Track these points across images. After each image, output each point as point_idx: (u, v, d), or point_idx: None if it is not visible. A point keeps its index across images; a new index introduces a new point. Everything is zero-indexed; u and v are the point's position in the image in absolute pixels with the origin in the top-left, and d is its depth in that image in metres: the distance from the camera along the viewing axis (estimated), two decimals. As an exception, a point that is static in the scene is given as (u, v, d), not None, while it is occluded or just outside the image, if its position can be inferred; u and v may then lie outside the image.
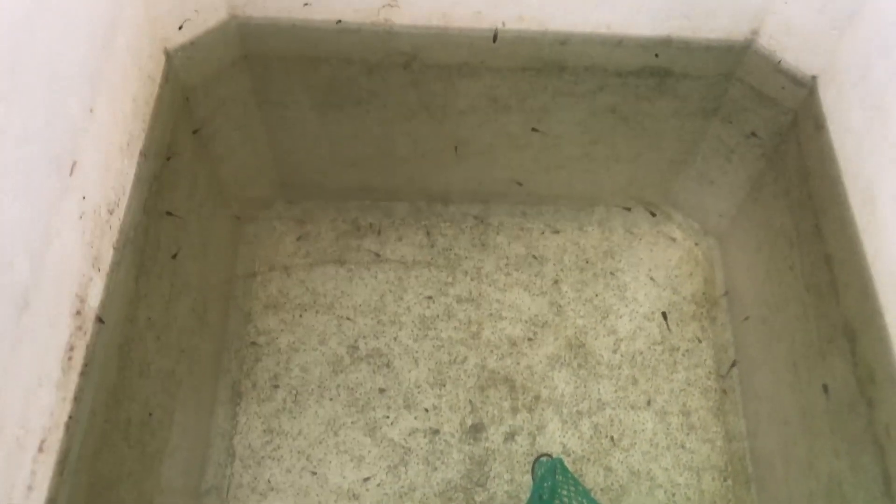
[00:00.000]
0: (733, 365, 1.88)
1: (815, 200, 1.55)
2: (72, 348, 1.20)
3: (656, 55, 1.62)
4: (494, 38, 1.60)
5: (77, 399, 1.21)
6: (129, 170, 1.41)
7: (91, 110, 1.23)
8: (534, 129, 1.85)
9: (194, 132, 1.69)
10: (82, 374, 1.22)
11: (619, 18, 1.58)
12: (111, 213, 1.33)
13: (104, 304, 1.29)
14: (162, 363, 1.56)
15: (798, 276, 1.62)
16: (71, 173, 1.17)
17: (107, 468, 1.33)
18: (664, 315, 2.04)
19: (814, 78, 1.56)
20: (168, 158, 1.55)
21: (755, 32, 1.59)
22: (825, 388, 1.49)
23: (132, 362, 1.41)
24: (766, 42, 1.59)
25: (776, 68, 1.60)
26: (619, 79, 1.70)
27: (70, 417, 1.19)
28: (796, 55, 1.56)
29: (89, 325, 1.25)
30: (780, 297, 1.70)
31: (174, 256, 1.54)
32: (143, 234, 1.44)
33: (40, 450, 1.11)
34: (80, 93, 1.20)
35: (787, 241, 1.66)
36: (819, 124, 1.54)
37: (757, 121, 1.73)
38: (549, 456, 1.83)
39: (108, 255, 1.32)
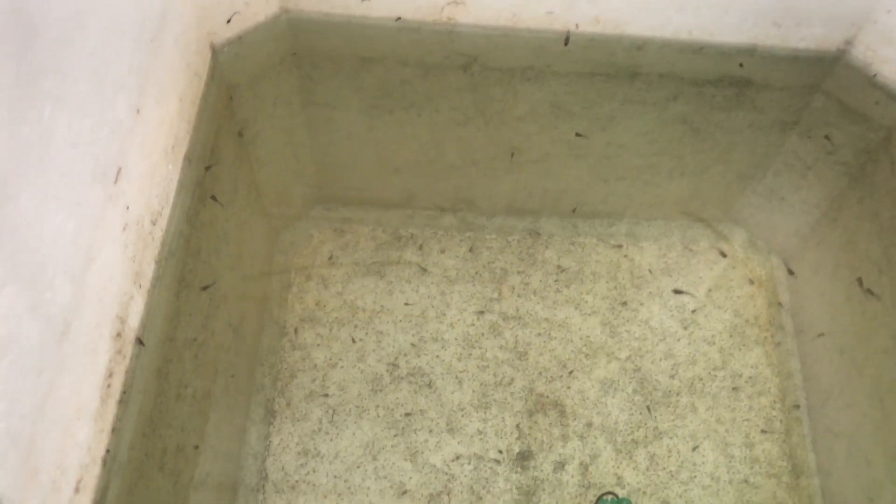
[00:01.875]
0: (861, 283, 1.64)
1: (912, 225, 1.43)
2: (111, 374, 1.08)
3: (741, 64, 1.50)
4: (566, 41, 1.48)
5: (115, 430, 1.09)
6: (174, 176, 1.29)
7: (138, 111, 1.11)
8: (577, 135, 1.72)
9: (238, 134, 1.57)
10: (120, 402, 1.11)
11: (702, 24, 1.45)
12: (154, 223, 1.21)
13: (144, 324, 1.17)
14: (198, 384, 1.44)
15: (888, 307, 1.49)
16: (116, 181, 1.05)
17: (141, 503, 1.21)
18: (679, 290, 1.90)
19: (914, 92, 1.44)
20: (211, 164, 1.43)
21: (849, 42, 1.47)
22: (922, 431, 1.36)
23: (170, 385, 1.30)
24: (860, 53, 1.46)
25: (870, 82, 1.47)
26: (694, 88, 1.58)
27: (107, 451, 1.07)
28: (895, 68, 1.43)
29: (129, 349, 1.13)
30: (862, 327, 1.58)
31: (204, 288, 1.41)
32: (184, 246, 1.33)
33: (76, 490, 1.00)
34: (128, 91, 1.08)
35: (875, 268, 1.54)
36: (919, 143, 1.41)
37: (842, 137, 1.60)
38: (615, 495, 1.70)
39: (149, 270, 1.20)
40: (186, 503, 1.43)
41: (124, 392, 1.12)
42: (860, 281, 1.62)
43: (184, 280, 1.33)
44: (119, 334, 1.10)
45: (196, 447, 1.44)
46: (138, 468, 1.18)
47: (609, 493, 1.71)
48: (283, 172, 1.83)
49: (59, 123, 0.89)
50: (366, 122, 1.71)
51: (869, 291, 1.58)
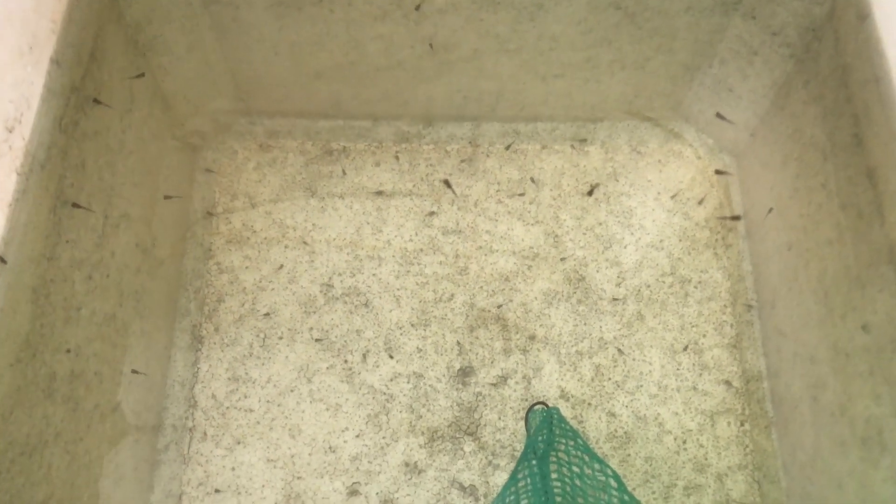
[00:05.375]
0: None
1: (856, 105, 1.31)
2: (-40, 293, 0.99)
3: (670, -67, 1.36)
4: (476, -85, 1.34)
5: (-27, 354, 1.00)
6: (36, 79, 1.16)
7: (-32, -1, 0.99)
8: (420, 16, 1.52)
9: (128, 38, 1.44)
10: (-21, 324, 1.02)
11: None
12: (10, 130, 1.10)
13: (6, 241, 1.07)
14: (96, 306, 1.35)
15: (832, 195, 1.39)
16: (-59, 76, 0.94)
17: (23, 431, 1.13)
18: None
19: (858, -44, 1.30)
20: (90, 67, 1.30)
21: None
22: (864, 326, 1.28)
23: (52, 307, 1.20)
24: (801, -86, 1.33)
25: (812, -54, 1.34)
26: (624, -35, 1.44)
27: (-36, 376, 0.99)
28: (838, -72, 1.30)
29: (-15, 266, 1.04)
30: (808, 219, 1.48)
31: (75, 205, 1.30)
32: (59, 157, 1.22)
33: (-80, 417, 0.92)
34: (-50, -25, 0.96)
35: (820, 155, 1.43)
36: (862, 14, 1.29)
37: (785, 14, 1.47)
38: (545, 404, 1.63)
39: (9, 182, 1.09)
40: (94, 431, 1.36)
41: (-17, 314, 1.02)
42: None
43: (62, 195, 1.23)
44: (-32, 251, 1.00)
45: (97, 373, 1.36)
46: (14, 394, 1.10)
47: (539, 402, 1.64)
48: (193, 81, 1.70)
49: None
50: (274, 21, 1.58)
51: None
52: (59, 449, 1.24)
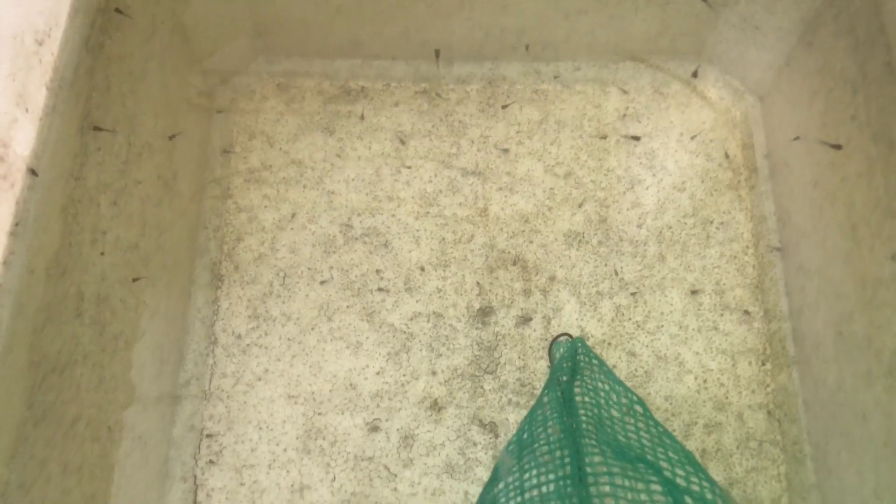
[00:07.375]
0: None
1: (889, 34, 1.29)
2: (-6, 201, 0.98)
3: None
4: None
5: (6, 263, 1.00)
6: (63, -6, 1.15)
7: None
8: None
9: (148, -38, 1.42)
10: (12, 234, 1.01)
11: None
12: (40, 43, 1.09)
13: (37, 155, 1.06)
14: (120, 233, 1.34)
15: (862, 126, 1.38)
16: (-28, -23, 0.92)
17: (54, 348, 1.13)
18: None
19: None
20: (114, -12, 1.29)
21: None
22: (895, 255, 1.27)
23: (81, 227, 1.20)
24: None
25: None
26: None
27: (-2, 285, 0.98)
28: None
29: (18, 176, 1.03)
30: (836, 153, 1.47)
31: (97, 129, 1.28)
32: (86, 77, 1.20)
33: (-44, 320, 0.91)
34: None
35: (850, 88, 1.42)
36: (900, -63, 1.27)
37: (818, -56, 1.45)
38: (569, 336, 1.63)
39: (39, 96, 1.08)
40: (119, 358, 1.36)
41: (17, 224, 1.02)
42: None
43: (90, 116, 1.22)
44: (1, 158, 0.99)
45: (122, 300, 1.35)
46: (45, 309, 1.10)
47: (563, 334, 1.64)
48: (212, 16, 1.68)
49: None
50: (297, -48, 1.56)
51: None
52: (87, 370, 1.24)
